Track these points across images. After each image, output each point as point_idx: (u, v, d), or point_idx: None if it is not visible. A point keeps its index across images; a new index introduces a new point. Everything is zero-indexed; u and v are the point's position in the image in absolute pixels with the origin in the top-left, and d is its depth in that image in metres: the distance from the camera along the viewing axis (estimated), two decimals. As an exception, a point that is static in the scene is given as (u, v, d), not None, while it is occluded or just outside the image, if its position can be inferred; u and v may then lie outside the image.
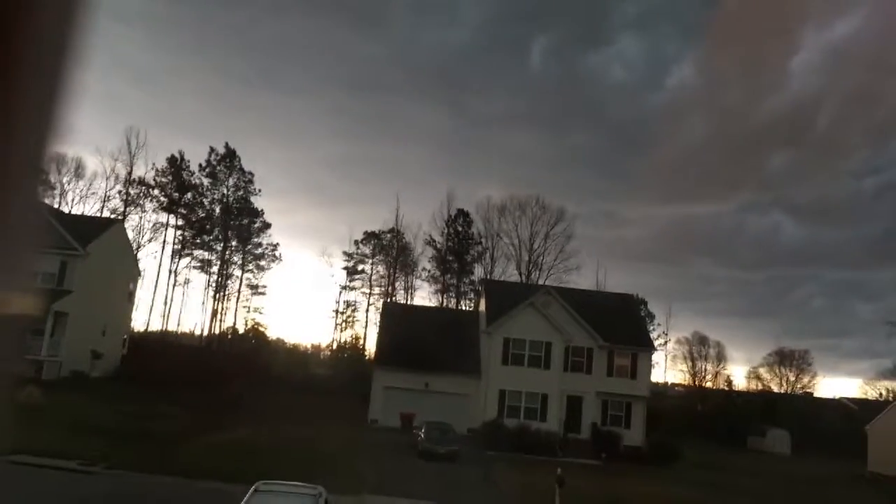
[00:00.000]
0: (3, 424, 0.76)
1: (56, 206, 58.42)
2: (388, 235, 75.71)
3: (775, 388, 78.61)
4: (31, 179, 0.79)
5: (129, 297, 52.34)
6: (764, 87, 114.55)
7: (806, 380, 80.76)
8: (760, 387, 79.61)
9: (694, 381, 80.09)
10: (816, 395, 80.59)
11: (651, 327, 70.65)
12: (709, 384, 79.63)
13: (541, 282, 66.05)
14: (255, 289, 74.28)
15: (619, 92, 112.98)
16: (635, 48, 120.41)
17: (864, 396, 79.94)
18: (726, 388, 78.39)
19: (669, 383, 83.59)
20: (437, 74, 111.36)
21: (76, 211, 60.49)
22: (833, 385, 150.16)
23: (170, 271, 70.64)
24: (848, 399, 78.26)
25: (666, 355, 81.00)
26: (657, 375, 75.40)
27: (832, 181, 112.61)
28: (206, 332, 71.83)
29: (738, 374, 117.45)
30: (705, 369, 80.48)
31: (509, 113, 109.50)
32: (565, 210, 74.66)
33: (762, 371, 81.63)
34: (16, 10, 0.72)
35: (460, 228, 75.81)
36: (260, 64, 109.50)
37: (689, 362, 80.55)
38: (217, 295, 72.05)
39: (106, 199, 66.41)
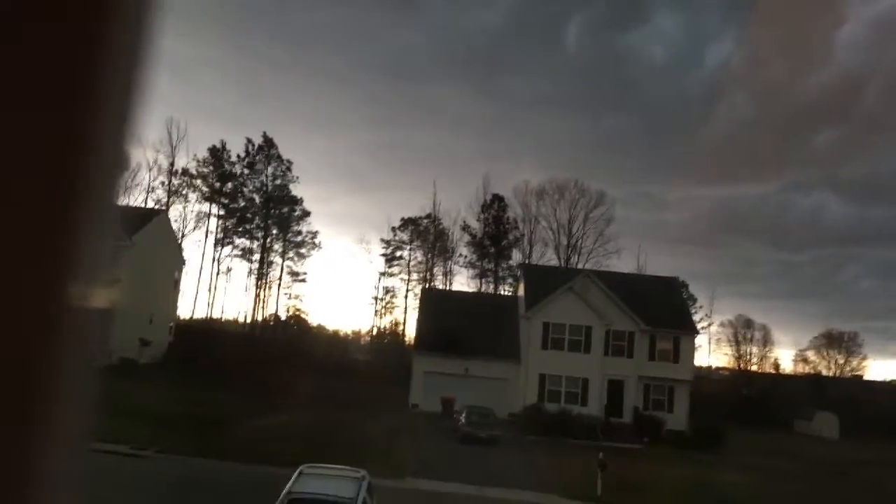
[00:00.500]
0: (91, 414, 0.79)
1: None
2: (426, 221, 75.93)
3: (824, 372, 76.83)
4: (109, 178, 0.81)
5: (175, 285, 53.59)
6: (809, 62, 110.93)
7: (855, 362, 78.74)
8: (808, 370, 77.90)
9: (739, 365, 78.76)
10: (866, 377, 78.57)
11: (693, 310, 69.54)
12: (754, 368, 78.26)
13: (580, 266, 65.52)
14: (295, 276, 75.39)
15: (659, 71, 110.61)
16: (674, 25, 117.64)
17: (916, 379, 77.65)
18: (773, 372, 76.91)
19: (714, 367, 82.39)
20: (472, 58, 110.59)
21: (121, 202, 61.84)
22: (884, 367, 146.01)
23: (213, 259, 72.08)
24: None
25: (709, 339, 79.80)
26: (701, 359, 74.35)
27: (880, 157, 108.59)
28: (249, 319, 73.27)
29: (785, 358, 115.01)
30: (750, 353, 79.11)
31: (546, 96, 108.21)
32: (605, 193, 73.74)
33: (810, 354, 79.89)
34: (92, 16, 0.75)
35: (496, 213, 75.56)
36: (295, 52, 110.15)
37: (733, 346, 79.24)
38: (259, 282, 73.34)
39: (150, 189, 67.92)
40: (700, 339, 71.19)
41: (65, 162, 0.75)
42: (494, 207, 75.56)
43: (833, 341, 78.13)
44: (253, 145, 72.64)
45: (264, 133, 73.34)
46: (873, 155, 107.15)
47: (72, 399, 0.76)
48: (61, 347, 0.74)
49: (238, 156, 72.40)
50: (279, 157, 73.05)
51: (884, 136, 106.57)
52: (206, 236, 71.32)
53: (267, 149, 72.90)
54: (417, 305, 54.26)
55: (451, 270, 76.84)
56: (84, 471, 0.78)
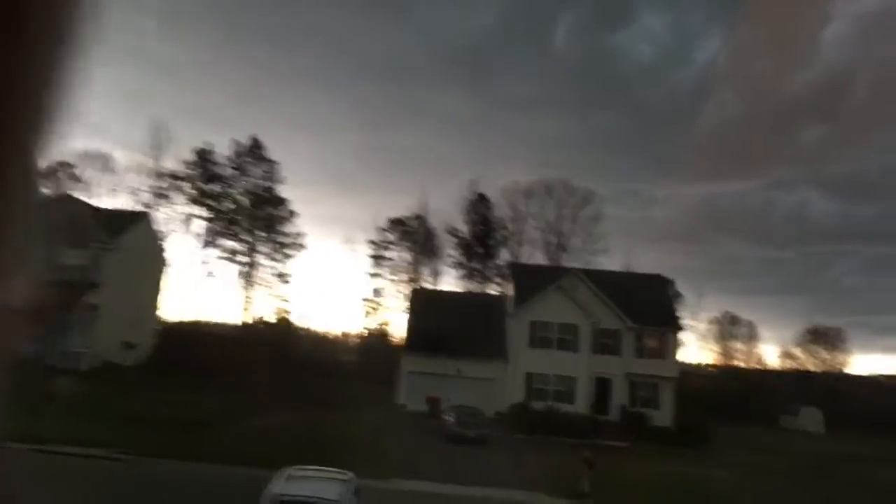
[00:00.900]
0: (6, 412, 0.79)
1: (85, 200, 59.34)
2: (414, 222, 75.76)
3: (809, 367, 77.37)
4: (27, 175, 0.78)
5: (159, 288, 53.12)
6: (794, 60, 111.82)
7: (840, 357, 79.34)
8: (793, 365, 78.44)
9: (725, 361, 79.18)
10: (851, 372, 79.23)
11: (680, 307, 69.82)
12: (740, 363, 78.69)
13: (568, 265, 65.60)
14: (282, 277, 74.90)
15: (646, 69, 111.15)
16: (660, 24, 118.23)
17: (900, 373, 78.34)
18: (759, 368, 77.40)
19: (700, 363, 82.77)
20: (459, 59, 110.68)
21: (105, 205, 61.35)
22: (867, 362, 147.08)
23: (198, 261, 71.51)
24: (884, 376, 76.77)
25: (696, 335, 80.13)
26: (687, 356, 74.68)
27: (864, 155, 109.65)
28: (235, 321, 72.77)
29: (771, 353, 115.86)
30: (737, 349, 79.53)
31: (534, 95, 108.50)
32: (593, 192, 73.90)
33: (795, 350, 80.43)
34: (7, 4, 0.72)
35: (482, 213, 75.54)
36: (282, 54, 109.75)
37: (719, 342, 79.63)
38: (245, 284, 72.82)
39: (134, 192, 67.32)
40: (687, 336, 71.64)
41: None
42: (480, 206, 75.57)
43: (818, 337, 78.67)
44: (242, 146, 72.25)
45: (251, 135, 73.00)
46: (856, 152, 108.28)
47: None
48: None
49: (226, 157, 71.97)
50: (266, 158, 72.68)
51: (867, 134, 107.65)
52: (192, 238, 70.82)
53: (254, 150, 72.49)
54: (405, 306, 54.14)
55: (438, 270, 76.80)
56: (3, 469, 0.78)
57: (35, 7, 0.73)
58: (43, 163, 0.80)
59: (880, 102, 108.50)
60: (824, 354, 78.53)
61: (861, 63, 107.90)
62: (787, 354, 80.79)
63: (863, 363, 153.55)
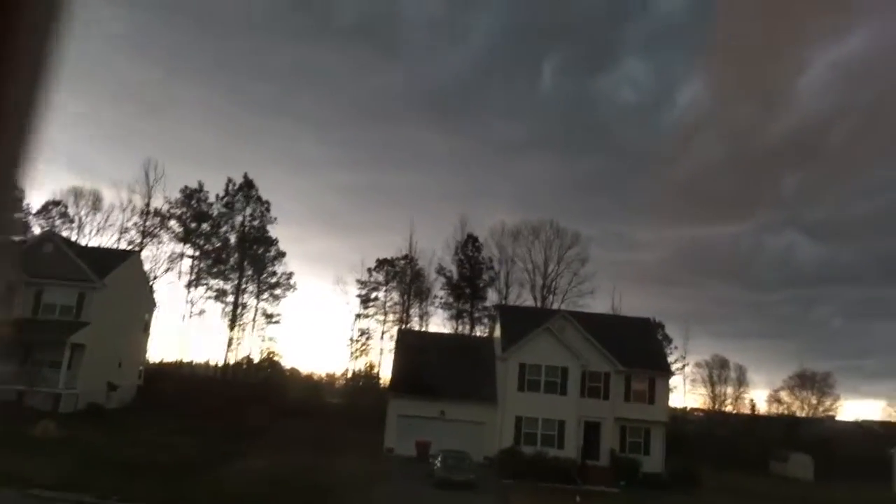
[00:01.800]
0: None
1: (73, 238, 59.09)
2: (402, 262, 75.82)
3: (797, 412, 77.17)
4: (10, 206, 0.77)
5: (145, 328, 52.62)
6: (774, 106, 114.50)
7: (828, 403, 79.24)
8: (782, 410, 78.26)
9: (714, 406, 78.88)
10: (839, 418, 79.11)
11: (669, 351, 69.80)
12: (729, 408, 78.40)
13: (555, 306, 65.69)
14: (270, 318, 74.39)
15: (631, 114, 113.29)
16: (644, 71, 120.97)
17: (887, 419, 78.36)
18: (748, 412, 77.11)
19: (689, 408, 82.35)
20: (449, 102, 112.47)
21: (93, 243, 61.10)
22: (856, 407, 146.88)
23: (185, 301, 71.00)
24: (872, 421, 76.70)
25: (684, 379, 79.94)
26: (676, 400, 74.32)
27: (847, 199, 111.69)
28: (221, 362, 71.96)
29: (759, 398, 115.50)
30: (725, 393, 79.31)
31: (521, 138, 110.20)
32: (579, 233, 74.45)
33: (783, 394, 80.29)
34: None
35: (470, 254, 75.78)
36: (273, 94, 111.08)
37: (708, 386, 79.41)
38: (232, 324, 72.24)
39: (123, 230, 67.18)
40: (675, 380, 71.54)
41: None
42: (469, 248, 75.84)
43: (806, 381, 78.71)
44: (233, 185, 72.51)
45: (245, 174, 73.34)
46: (840, 196, 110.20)
47: None
48: None
49: (217, 195, 72.15)
50: (258, 197, 72.89)
51: (850, 178, 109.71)
52: (179, 277, 70.43)
53: (247, 189, 72.74)
54: (393, 347, 53.80)
55: (427, 311, 76.55)
56: None
57: (12, 28, 0.73)
58: (20, 196, 0.87)
59: (858, 146, 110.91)
60: (812, 399, 78.53)
61: (838, 109, 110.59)
62: (775, 399, 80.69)
63: (851, 408, 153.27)
